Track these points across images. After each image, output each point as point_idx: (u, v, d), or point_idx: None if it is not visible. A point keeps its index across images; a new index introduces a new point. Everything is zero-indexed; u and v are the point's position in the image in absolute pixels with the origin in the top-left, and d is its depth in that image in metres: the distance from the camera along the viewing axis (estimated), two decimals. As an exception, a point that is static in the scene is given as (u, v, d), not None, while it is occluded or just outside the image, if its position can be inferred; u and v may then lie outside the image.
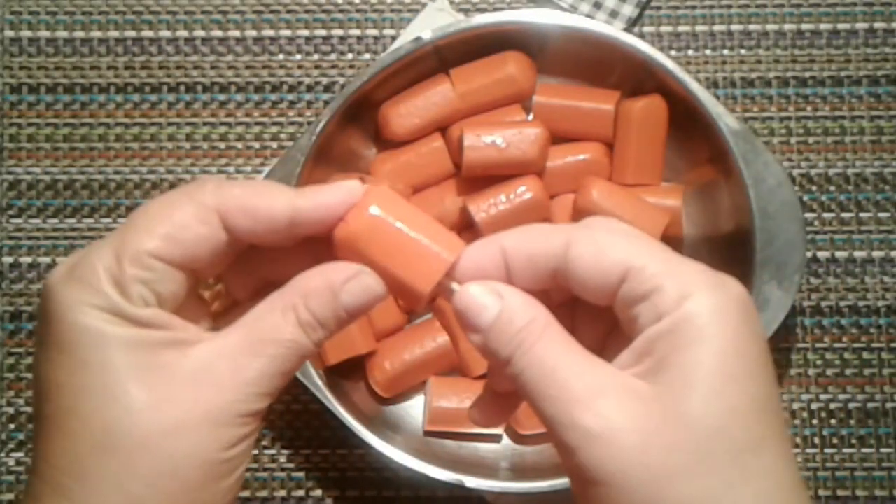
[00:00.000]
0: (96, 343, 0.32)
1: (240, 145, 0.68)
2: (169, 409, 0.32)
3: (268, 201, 0.34)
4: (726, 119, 0.59)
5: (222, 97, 0.68)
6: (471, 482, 0.58)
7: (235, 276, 0.37)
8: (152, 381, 0.33)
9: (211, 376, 0.33)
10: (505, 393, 0.38)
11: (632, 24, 0.68)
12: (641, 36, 0.68)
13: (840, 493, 0.64)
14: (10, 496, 0.65)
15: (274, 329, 0.34)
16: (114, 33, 0.69)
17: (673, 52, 0.68)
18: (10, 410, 0.66)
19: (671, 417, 0.31)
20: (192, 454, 0.33)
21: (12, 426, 0.66)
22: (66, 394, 0.33)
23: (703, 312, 0.31)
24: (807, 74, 0.68)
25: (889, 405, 0.65)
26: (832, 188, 0.67)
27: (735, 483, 0.30)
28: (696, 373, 0.31)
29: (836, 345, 0.66)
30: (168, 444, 0.32)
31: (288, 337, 0.34)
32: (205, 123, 0.68)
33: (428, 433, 0.63)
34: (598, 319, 0.36)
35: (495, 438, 0.63)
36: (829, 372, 0.66)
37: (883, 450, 0.65)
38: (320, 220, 0.35)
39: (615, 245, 0.33)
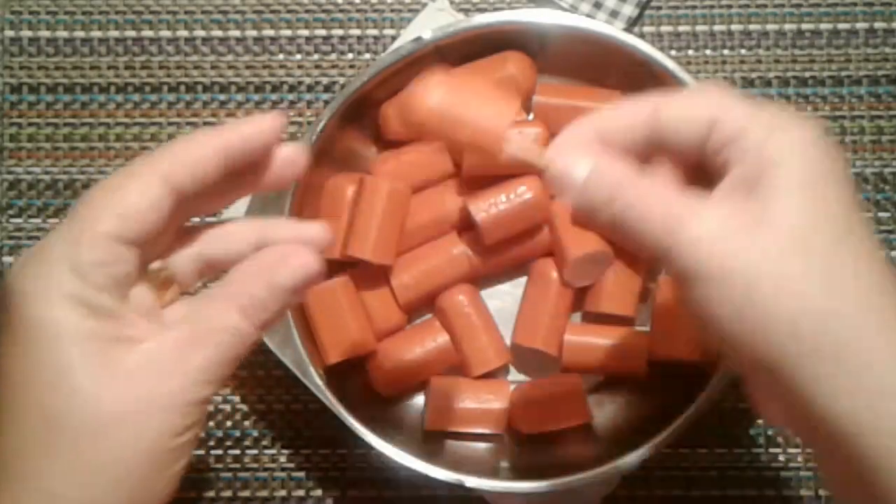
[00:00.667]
0: (48, 333, 0.33)
1: (240, 145, 0.68)
2: (116, 399, 0.34)
3: (202, 151, 0.36)
4: (726, 119, 0.59)
5: (222, 97, 0.68)
6: (471, 482, 0.57)
7: (178, 250, 0.39)
8: (100, 373, 0.34)
9: (158, 367, 0.35)
10: None
11: (632, 24, 0.68)
12: (641, 36, 0.68)
13: (840, 492, 0.64)
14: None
15: (216, 318, 0.36)
16: (114, 33, 0.69)
17: (673, 52, 0.68)
18: (10, 410, 0.66)
19: (770, 217, 0.34)
20: (140, 442, 0.34)
21: (12, 426, 0.66)
22: (15, 382, 0.34)
23: (789, 140, 0.35)
24: (807, 74, 0.68)
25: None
26: (832, 188, 0.67)
27: (833, 265, 0.33)
28: (788, 184, 0.34)
29: (837, 345, 0.66)
30: (115, 432, 0.33)
31: (231, 324, 0.35)
32: (205, 123, 0.68)
33: (428, 433, 0.63)
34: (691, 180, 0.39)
35: (495, 438, 0.63)
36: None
37: (883, 450, 0.65)
38: (250, 151, 0.37)
39: (701, 99, 0.37)
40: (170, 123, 0.68)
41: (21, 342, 0.34)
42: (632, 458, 0.57)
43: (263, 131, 0.37)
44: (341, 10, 0.69)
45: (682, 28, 0.69)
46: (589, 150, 0.37)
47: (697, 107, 0.36)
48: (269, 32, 0.69)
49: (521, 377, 0.65)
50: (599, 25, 0.61)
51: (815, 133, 0.35)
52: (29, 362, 0.34)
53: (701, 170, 0.37)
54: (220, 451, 0.65)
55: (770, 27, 0.68)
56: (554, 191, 0.38)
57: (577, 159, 0.37)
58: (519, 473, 0.60)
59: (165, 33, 0.69)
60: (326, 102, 0.68)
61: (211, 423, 0.65)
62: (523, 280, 0.65)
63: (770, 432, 0.65)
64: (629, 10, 0.68)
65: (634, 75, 0.62)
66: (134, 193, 0.35)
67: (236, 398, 0.66)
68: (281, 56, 0.69)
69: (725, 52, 0.68)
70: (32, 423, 0.34)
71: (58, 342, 0.33)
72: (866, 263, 0.34)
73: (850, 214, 0.34)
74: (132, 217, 0.35)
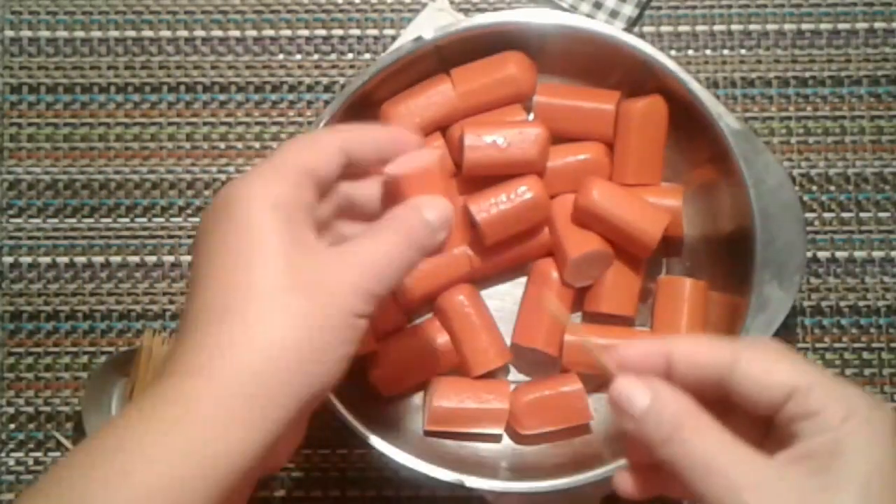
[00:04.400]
0: (252, 222, 0.39)
1: (240, 145, 0.68)
2: (307, 273, 0.39)
3: (369, 136, 0.45)
4: (726, 119, 0.59)
5: (222, 97, 0.68)
6: (471, 482, 0.57)
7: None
8: (294, 252, 0.39)
9: (345, 258, 0.41)
10: (647, 465, 0.41)
11: (632, 24, 0.68)
12: (641, 36, 0.68)
13: (840, 493, 0.64)
14: (10, 496, 0.65)
15: (385, 234, 0.42)
16: (114, 33, 0.69)
17: (673, 52, 0.68)
18: (11, 410, 0.66)
19: None
20: (326, 308, 0.39)
21: (12, 426, 0.66)
22: (223, 254, 0.39)
23: (864, 431, 0.35)
24: (807, 74, 0.68)
25: (889, 405, 0.65)
26: (832, 188, 0.67)
27: None
28: (854, 476, 0.34)
29: (836, 345, 0.66)
30: (301, 301, 0.38)
31: (394, 243, 0.42)
32: (205, 123, 0.68)
33: (428, 433, 0.63)
34: (753, 426, 0.39)
35: (495, 438, 0.63)
36: (830, 372, 0.66)
37: (883, 450, 0.65)
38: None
39: (782, 368, 0.37)
40: (170, 123, 0.68)
41: (230, 231, 0.39)
42: (632, 458, 0.57)
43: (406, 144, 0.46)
44: (341, 10, 0.69)
45: (682, 28, 0.69)
46: (652, 380, 0.38)
47: (777, 373, 0.37)
48: (269, 32, 0.69)
49: (521, 377, 0.65)
50: (599, 25, 0.61)
51: (890, 423, 0.35)
52: (232, 241, 0.39)
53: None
54: (220, 451, 0.65)
55: (770, 27, 0.68)
56: (613, 411, 0.39)
57: (638, 387, 0.38)
58: (519, 473, 0.60)
59: (165, 33, 0.69)
60: (326, 102, 0.68)
61: (211, 423, 0.65)
62: (523, 280, 0.65)
63: (770, 432, 0.65)
64: (629, 10, 0.68)
65: (634, 75, 0.62)
66: (321, 150, 0.43)
67: (236, 398, 0.65)
68: (281, 56, 0.69)
69: (725, 52, 0.68)
70: (227, 287, 0.38)
71: (260, 229, 0.39)
72: None
73: None
74: (320, 161, 0.42)
